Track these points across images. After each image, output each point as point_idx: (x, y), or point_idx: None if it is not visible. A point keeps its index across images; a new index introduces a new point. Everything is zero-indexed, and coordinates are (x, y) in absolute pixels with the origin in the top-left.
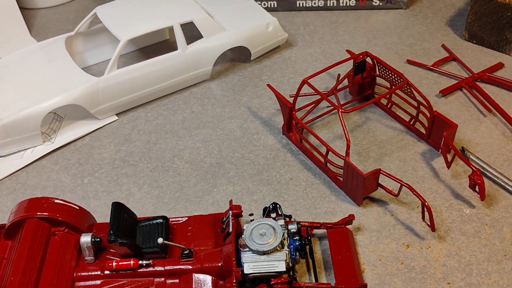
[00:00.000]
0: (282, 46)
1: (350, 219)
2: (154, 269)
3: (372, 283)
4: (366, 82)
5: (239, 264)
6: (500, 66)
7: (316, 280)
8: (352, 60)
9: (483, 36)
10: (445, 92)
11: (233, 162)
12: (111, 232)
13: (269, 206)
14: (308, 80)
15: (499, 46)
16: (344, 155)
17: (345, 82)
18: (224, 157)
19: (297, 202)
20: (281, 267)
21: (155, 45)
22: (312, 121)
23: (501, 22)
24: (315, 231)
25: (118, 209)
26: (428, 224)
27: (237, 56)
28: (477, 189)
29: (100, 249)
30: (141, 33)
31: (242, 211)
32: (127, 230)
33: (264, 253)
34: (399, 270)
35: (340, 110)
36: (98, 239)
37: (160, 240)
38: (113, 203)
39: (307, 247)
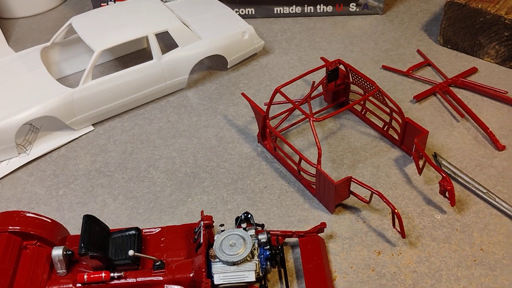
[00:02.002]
0: (259, 53)
1: (321, 227)
2: (126, 281)
3: None
4: (340, 89)
5: (210, 275)
6: (473, 70)
7: None
8: (325, 67)
9: (457, 41)
10: (419, 98)
11: (208, 171)
12: (82, 245)
13: (241, 216)
14: (282, 88)
15: (473, 51)
16: (316, 163)
17: (321, 89)
18: (199, 166)
19: (270, 211)
20: (251, 277)
21: (134, 54)
22: (287, 129)
23: (474, 27)
24: (288, 239)
25: (89, 221)
26: (398, 231)
27: (214, 64)
28: (447, 195)
29: (72, 261)
30: (115, 44)
31: (213, 222)
32: (99, 242)
33: (234, 263)
34: (370, 277)
35: (311, 119)
36: (70, 252)
37: (131, 252)
38: (84, 216)
39: (278, 256)
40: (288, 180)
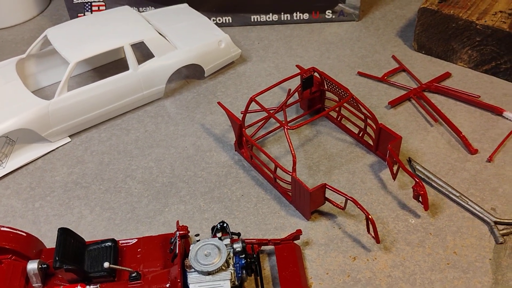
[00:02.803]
0: (237, 61)
1: (297, 234)
2: None
3: None
4: (315, 96)
5: (185, 285)
6: (447, 75)
7: None
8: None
9: (431, 46)
10: (394, 104)
11: (185, 180)
12: (57, 258)
13: (217, 225)
14: (259, 96)
15: (447, 56)
16: (291, 171)
17: (297, 96)
18: (176, 176)
19: (247, 219)
20: (226, 286)
21: (111, 64)
22: (264, 137)
23: (447, 32)
24: (265, 247)
25: (64, 234)
26: (372, 236)
27: (192, 73)
28: (420, 199)
29: (48, 275)
30: (90, 55)
31: (189, 232)
32: (74, 255)
33: (209, 273)
34: (345, 283)
35: (285, 127)
36: (45, 265)
37: (106, 264)
38: (59, 229)
39: (254, 264)
40: (265, 187)
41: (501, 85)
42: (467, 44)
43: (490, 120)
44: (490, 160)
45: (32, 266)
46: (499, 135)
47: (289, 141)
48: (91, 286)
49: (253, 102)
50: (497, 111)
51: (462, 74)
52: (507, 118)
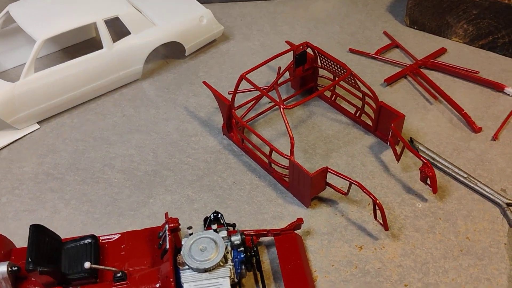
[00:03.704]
0: (219, 40)
1: (298, 223)
2: None
3: None
4: (308, 74)
5: (179, 285)
6: (442, 51)
7: None
8: (292, 51)
9: (424, 21)
10: (390, 81)
11: (171, 168)
12: (29, 260)
13: (210, 216)
14: (246, 75)
15: (441, 31)
16: (289, 154)
17: (287, 75)
18: (160, 164)
19: (241, 208)
20: (226, 284)
21: (82, 44)
22: (254, 119)
23: (441, 6)
24: (262, 238)
25: (37, 232)
26: (380, 223)
27: (171, 52)
28: (428, 182)
29: (20, 278)
30: (59, 32)
31: (179, 224)
32: (49, 255)
33: (205, 270)
34: (353, 275)
35: (281, 106)
36: (16, 268)
37: (87, 264)
38: (31, 226)
39: (254, 258)
40: (259, 173)
41: (499, 61)
42: (463, 18)
43: (491, 96)
44: (495, 138)
45: (1, 269)
46: (501, 112)
47: (286, 122)
48: None
49: (241, 82)
50: (498, 87)
51: (457, 50)
52: (508, 94)
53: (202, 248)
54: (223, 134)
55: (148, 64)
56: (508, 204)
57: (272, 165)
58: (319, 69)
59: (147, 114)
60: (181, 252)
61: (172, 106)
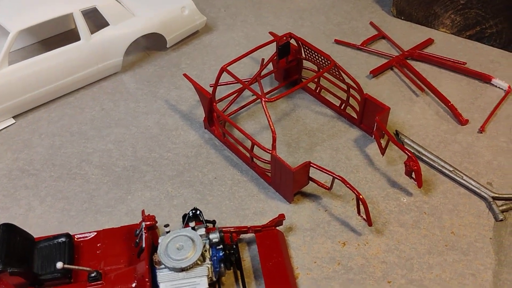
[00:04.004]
0: (202, 31)
1: (280, 219)
2: None
3: None
4: (292, 66)
5: (155, 284)
6: (429, 42)
7: None
8: (275, 43)
9: (411, 11)
10: (376, 73)
11: (150, 163)
12: None
13: (188, 213)
14: (228, 67)
15: (428, 22)
16: (271, 149)
17: (271, 67)
18: (139, 159)
19: (222, 204)
20: (203, 283)
21: (60, 36)
22: (236, 112)
23: None
24: (243, 235)
25: (8, 231)
26: (364, 219)
27: (152, 44)
28: (413, 176)
29: None
30: (34, 23)
31: (156, 222)
32: (21, 255)
33: (182, 269)
34: (336, 272)
35: (263, 99)
36: None
37: (59, 264)
38: (1, 224)
39: (233, 256)
40: (240, 168)
41: (487, 51)
42: (450, 8)
43: (479, 88)
44: (482, 130)
45: None
46: (489, 103)
47: (267, 115)
48: None
49: (222, 75)
50: (486, 79)
51: (445, 41)
52: (496, 86)
53: (179, 247)
54: (205, 128)
55: (128, 56)
56: (494, 198)
57: (254, 159)
58: (304, 61)
59: (126, 107)
60: (157, 251)
61: (153, 100)
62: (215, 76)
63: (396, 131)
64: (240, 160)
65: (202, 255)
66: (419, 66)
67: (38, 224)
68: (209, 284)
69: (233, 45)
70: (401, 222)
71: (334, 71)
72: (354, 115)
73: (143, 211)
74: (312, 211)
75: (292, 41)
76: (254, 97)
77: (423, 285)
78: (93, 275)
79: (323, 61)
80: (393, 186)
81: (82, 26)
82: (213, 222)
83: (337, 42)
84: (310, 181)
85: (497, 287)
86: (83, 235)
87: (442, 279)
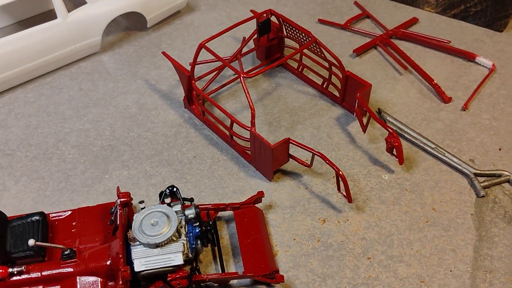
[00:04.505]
0: (183, 11)
1: (259, 196)
2: (29, 276)
3: (286, 267)
4: (273, 44)
5: (130, 261)
6: (414, 21)
7: (223, 270)
8: (256, 20)
9: None
10: (359, 52)
11: (128, 143)
12: None
13: (165, 190)
14: (207, 45)
15: (413, 1)
16: (250, 126)
17: (253, 45)
18: (117, 138)
19: (201, 183)
20: (178, 260)
21: (38, 17)
22: (217, 91)
23: None
24: (223, 213)
25: None
26: (344, 195)
27: (133, 24)
28: (394, 152)
29: None
30: (6, 1)
31: (131, 199)
32: None
33: (157, 245)
34: (315, 249)
35: (241, 75)
36: None
37: (31, 242)
38: None
39: (210, 233)
40: (220, 147)
41: (471, 30)
42: None
43: (462, 66)
44: (465, 108)
45: None
46: (472, 81)
47: (246, 92)
48: (15, 269)
49: (204, 54)
50: (469, 57)
51: (429, 20)
52: (480, 64)
53: (153, 223)
54: (185, 108)
55: (108, 36)
56: (476, 174)
57: (234, 138)
58: (286, 39)
59: (105, 87)
60: (132, 227)
61: (132, 79)
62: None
63: (379, 109)
64: (220, 139)
65: (178, 231)
66: (403, 45)
67: (13, 204)
68: (186, 261)
69: (215, 24)
70: (382, 199)
71: (315, 48)
72: (337, 94)
73: (118, 188)
74: (292, 188)
75: (274, 19)
76: (235, 75)
77: (402, 261)
78: (66, 252)
79: (304, 38)
80: (375, 163)
81: (58, 4)
82: (191, 199)
83: (321, 21)
84: (290, 159)
85: (477, 262)
86: (58, 214)
87: (422, 255)
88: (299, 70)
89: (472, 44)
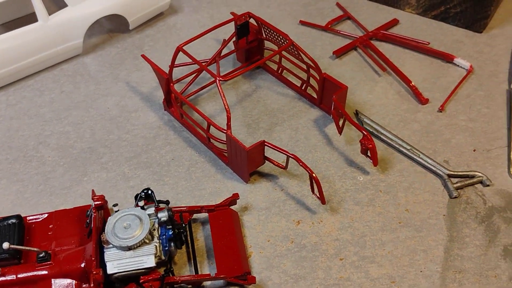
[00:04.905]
0: (167, 13)
1: (234, 198)
2: (4, 278)
3: (259, 268)
4: (253, 47)
5: (103, 264)
6: (395, 22)
7: (196, 271)
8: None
9: None
10: (339, 53)
11: (108, 145)
12: None
13: (140, 193)
14: (186, 46)
15: (394, 2)
16: (226, 129)
17: (233, 48)
18: (97, 141)
19: (179, 185)
20: (150, 262)
21: (21, 20)
22: (197, 93)
23: None
24: (198, 215)
25: None
26: (318, 197)
27: (116, 26)
28: (369, 154)
29: None
30: None
31: (106, 202)
32: None
33: (129, 248)
34: (289, 250)
35: (217, 78)
36: None
37: (5, 245)
38: None
39: (183, 235)
40: (199, 149)
41: (451, 31)
42: None
43: (441, 67)
44: (441, 109)
45: None
46: (450, 83)
47: (222, 94)
48: None
49: (184, 56)
50: (448, 58)
51: (410, 21)
52: (458, 65)
53: (126, 226)
54: (165, 110)
55: (91, 39)
56: (450, 176)
57: (211, 140)
58: (266, 42)
59: (87, 90)
60: (105, 230)
61: (114, 82)
62: (177, 58)
63: (356, 110)
64: (199, 141)
65: (151, 233)
66: (383, 47)
67: None
68: (159, 263)
69: (198, 26)
70: (357, 201)
71: (293, 50)
72: (315, 95)
73: (93, 191)
74: (268, 190)
75: (253, 21)
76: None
77: (374, 262)
78: (41, 255)
79: (282, 40)
80: (351, 165)
81: (39, 6)
82: (167, 202)
83: (302, 23)
84: (266, 161)
85: (447, 262)
86: (35, 217)
87: (394, 255)
88: (279, 72)
89: (452, 45)
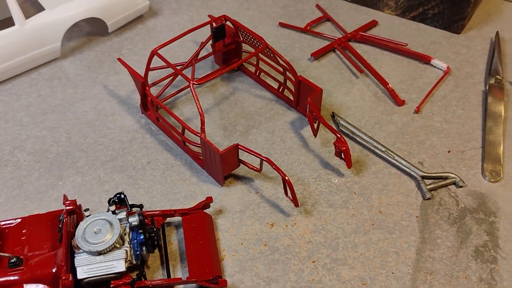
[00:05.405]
0: (146, 15)
1: (207, 202)
2: None
3: (232, 271)
4: (231, 49)
5: (74, 269)
6: (373, 24)
7: (169, 275)
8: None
9: None
10: (317, 55)
11: (84, 149)
12: None
13: (113, 197)
14: (163, 50)
15: (373, 3)
16: (200, 132)
17: (211, 51)
18: (73, 145)
19: (153, 188)
20: (120, 267)
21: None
22: (173, 96)
23: None
24: (172, 219)
25: None
26: (291, 199)
27: (95, 29)
28: (343, 156)
29: None
30: None
31: (77, 206)
32: None
33: (99, 253)
34: (261, 253)
35: (191, 82)
36: None
37: None
38: None
39: (154, 239)
40: (175, 152)
41: (429, 32)
42: None
43: (418, 69)
44: (417, 111)
45: None
46: (427, 84)
47: (195, 98)
48: None
49: (153, 58)
50: (425, 59)
51: (389, 22)
52: (435, 66)
53: (96, 231)
54: (142, 113)
55: (69, 42)
56: (423, 177)
57: (187, 143)
58: (245, 44)
59: (64, 93)
60: (75, 235)
61: (92, 85)
62: (156, 61)
63: (333, 112)
64: (175, 145)
65: (121, 238)
66: (361, 48)
67: None
68: (131, 268)
69: (177, 29)
70: (330, 203)
71: (268, 53)
72: (292, 98)
73: (64, 196)
74: (243, 193)
75: (230, 24)
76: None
77: (346, 264)
78: (13, 260)
79: (258, 43)
80: (326, 167)
81: (15, 10)
82: (140, 206)
83: (282, 25)
84: (240, 164)
85: (419, 264)
86: (8, 222)
87: (366, 257)
88: (257, 74)
89: (430, 46)
